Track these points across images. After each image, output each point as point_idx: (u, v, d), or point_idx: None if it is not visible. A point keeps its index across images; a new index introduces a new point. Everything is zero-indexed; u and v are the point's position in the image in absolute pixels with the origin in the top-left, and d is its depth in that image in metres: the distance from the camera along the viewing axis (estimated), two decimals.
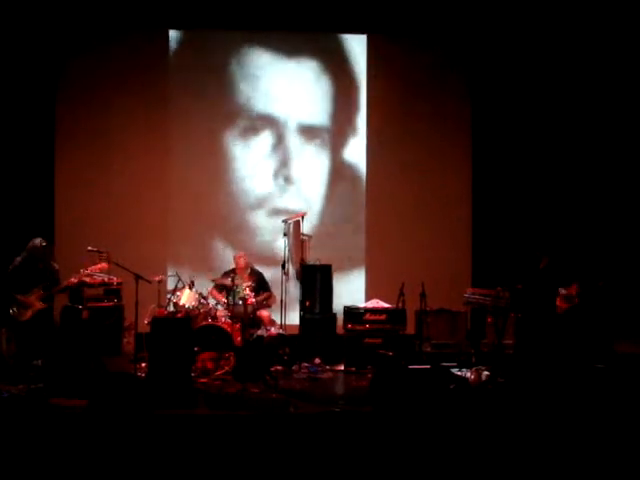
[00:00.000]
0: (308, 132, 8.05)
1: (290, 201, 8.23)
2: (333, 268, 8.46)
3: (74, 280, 7.63)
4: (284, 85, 8.02)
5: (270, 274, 8.40)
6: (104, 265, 7.86)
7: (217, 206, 8.51)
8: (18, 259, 7.68)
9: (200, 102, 9.14)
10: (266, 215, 8.25)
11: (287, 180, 8.16)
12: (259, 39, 8.06)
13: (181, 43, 8.93)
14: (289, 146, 8.11)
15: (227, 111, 8.13)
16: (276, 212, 8.15)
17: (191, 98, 9.30)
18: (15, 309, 7.45)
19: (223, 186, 8.66)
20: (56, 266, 7.82)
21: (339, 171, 8.06)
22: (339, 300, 8.65)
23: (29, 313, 7.45)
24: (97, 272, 7.86)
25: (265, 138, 8.17)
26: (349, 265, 8.88)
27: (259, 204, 8.32)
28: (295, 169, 8.31)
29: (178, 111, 9.33)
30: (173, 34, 8.98)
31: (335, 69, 7.97)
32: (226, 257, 8.70)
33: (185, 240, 9.35)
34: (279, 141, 8.04)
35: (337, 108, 7.91)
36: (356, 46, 8.40)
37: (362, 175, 8.33)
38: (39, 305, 7.49)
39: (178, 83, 9.23)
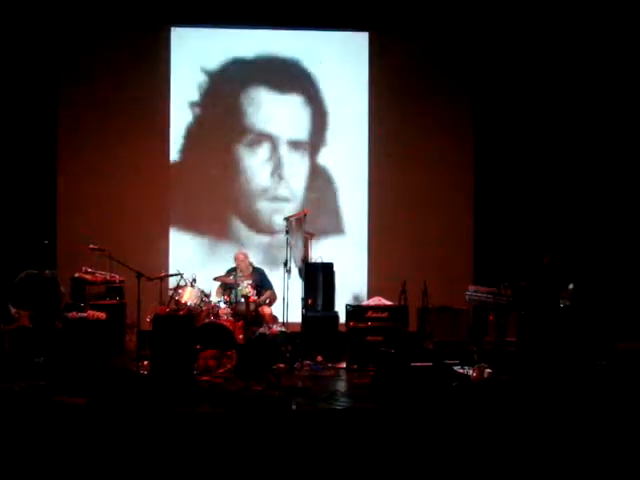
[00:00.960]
0: (294, 145, 10.19)
1: (282, 191, 10.24)
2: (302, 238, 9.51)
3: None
4: (278, 112, 10.17)
5: (267, 240, 10.09)
6: (101, 315, 7.85)
7: (231, 195, 10.24)
8: (30, 272, 7.69)
9: (207, 120, 10.16)
10: (265, 201, 10.20)
11: (280, 177, 10.20)
12: (262, 80, 10.17)
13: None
14: (281, 154, 10.18)
15: (237, 129, 10.19)
16: (273, 199, 10.16)
17: (195, 112, 10.14)
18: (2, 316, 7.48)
19: (234, 181, 10.22)
20: (63, 290, 7.84)
21: (314, 171, 10.20)
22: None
23: (13, 326, 7.45)
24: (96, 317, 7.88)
25: (264, 148, 10.19)
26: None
27: (261, 193, 10.19)
28: (285, 170, 10.22)
29: (181, 118, 10.04)
30: (177, 74, 10.05)
31: (312, 102, 10.20)
32: (236, 229, 10.20)
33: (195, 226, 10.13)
34: (274, 151, 10.19)
35: (313, 128, 10.21)
36: (328, 82, 10.28)
37: (330, 173, 10.29)
38: (25, 322, 7.49)
39: (181, 95, 10.12)
